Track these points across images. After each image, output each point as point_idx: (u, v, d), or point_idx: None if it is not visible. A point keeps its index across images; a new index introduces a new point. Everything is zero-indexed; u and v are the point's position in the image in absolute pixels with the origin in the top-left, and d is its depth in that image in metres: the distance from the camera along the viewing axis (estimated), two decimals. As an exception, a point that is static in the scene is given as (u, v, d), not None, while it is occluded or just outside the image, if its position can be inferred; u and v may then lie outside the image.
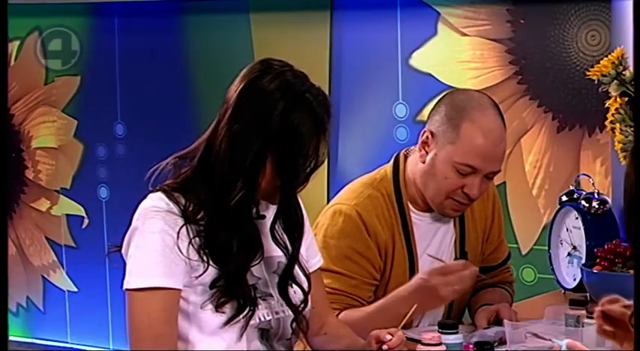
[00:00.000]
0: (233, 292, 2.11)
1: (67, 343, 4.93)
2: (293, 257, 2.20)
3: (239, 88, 2.13)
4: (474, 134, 2.59)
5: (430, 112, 2.70)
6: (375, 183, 2.72)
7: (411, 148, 2.75)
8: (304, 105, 2.10)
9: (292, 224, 2.21)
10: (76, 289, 4.90)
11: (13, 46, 4.94)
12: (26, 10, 4.77)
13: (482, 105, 2.64)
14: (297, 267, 2.23)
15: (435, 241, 2.75)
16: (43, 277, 4.99)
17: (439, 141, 2.62)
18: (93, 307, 4.80)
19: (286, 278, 2.20)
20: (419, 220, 2.72)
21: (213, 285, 2.10)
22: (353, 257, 2.64)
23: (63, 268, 4.93)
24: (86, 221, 4.86)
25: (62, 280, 4.93)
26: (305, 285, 2.24)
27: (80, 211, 4.87)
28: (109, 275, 4.60)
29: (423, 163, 2.66)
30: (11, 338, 4.92)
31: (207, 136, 2.15)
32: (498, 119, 2.64)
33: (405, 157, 2.74)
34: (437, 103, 2.70)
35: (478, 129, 2.59)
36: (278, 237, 2.18)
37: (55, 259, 4.94)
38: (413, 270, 2.70)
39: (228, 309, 2.11)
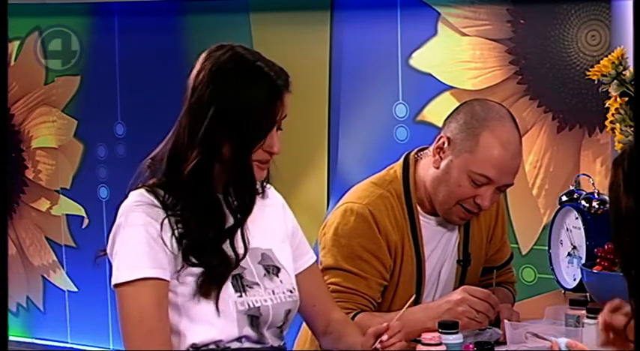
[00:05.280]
0: (215, 278, 2.13)
1: (67, 343, 4.94)
2: (240, 222, 2.21)
3: (195, 71, 2.21)
4: (493, 145, 2.59)
5: (447, 119, 2.69)
6: (385, 184, 2.71)
7: (424, 151, 2.75)
8: (256, 72, 2.17)
9: (245, 189, 2.23)
10: (76, 289, 4.90)
11: (13, 46, 4.94)
12: (26, 10, 4.77)
13: (502, 117, 2.64)
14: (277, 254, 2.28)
15: (440, 244, 2.75)
16: (43, 277, 5.00)
17: (456, 148, 2.62)
18: (93, 307, 4.80)
19: (233, 233, 2.20)
20: (426, 222, 2.72)
21: (193, 267, 2.13)
22: (364, 256, 2.64)
23: (63, 268, 4.93)
24: (86, 221, 4.86)
25: (62, 280, 4.93)
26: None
27: (80, 211, 4.88)
28: (109, 275, 4.59)
29: (437, 168, 2.65)
30: (11, 338, 4.92)
31: (173, 130, 2.23)
32: (516, 133, 2.64)
33: (416, 160, 2.74)
34: (455, 110, 2.69)
35: (497, 140, 2.59)
36: (230, 201, 2.21)
37: (55, 259, 4.94)
38: (420, 272, 2.70)
39: (215, 297, 2.13)
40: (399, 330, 2.20)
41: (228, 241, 2.19)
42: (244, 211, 2.22)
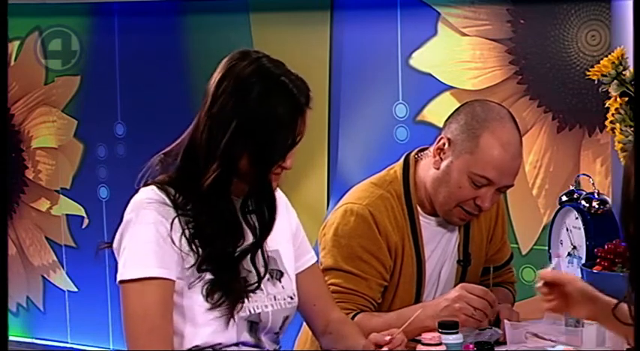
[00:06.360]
0: (223, 283, 2.13)
1: (67, 343, 4.93)
2: (259, 241, 2.21)
3: (217, 78, 2.17)
4: (493, 146, 2.59)
5: (447, 120, 2.69)
6: (385, 184, 2.71)
7: (424, 151, 2.75)
8: (280, 87, 2.14)
9: (265, 207, 2.22)
10: (76, 289, 4.90)
11: (13, 46, 4.94)
12: (26, 10, 4.77)
13: (503, 118, 2.64)
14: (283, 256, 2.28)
15: (441, 244, 2.75)
16: (43, 277, 4.99)
17: (456, 149, 2.62)
18: (93, 307, 4.80)
19: (254, 252, 2.20)
20: (426, 223, 2.72)
21: (204, 273, 2.12)
22: (364, 257, 2.64)
23: (63, 268, 4.93)
24: (86, 221, 4.86)
25: (62, 280, 4.93)
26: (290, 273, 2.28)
27: (80, 211, 4.88)
28: (109, 275, 4.60)
29: (437, 169, 2.65)
30: (11, 338, 4.92)
31: (190, 130, 2.19)
32: (517, 134, 2.64)
33: (416, 161, 2.74)
34: (455, 111, 2.69)
35: (497, 141, 2.59)
36: (249, 217, 2.21)
37: (55, 259, 4.94)
38: (420, 272, 2.70)
39: (219, 301, 2.13)
40: (401, 343, 2.20)
41: (249, 258, 2.19)
42: (264, 228, 2.21)
